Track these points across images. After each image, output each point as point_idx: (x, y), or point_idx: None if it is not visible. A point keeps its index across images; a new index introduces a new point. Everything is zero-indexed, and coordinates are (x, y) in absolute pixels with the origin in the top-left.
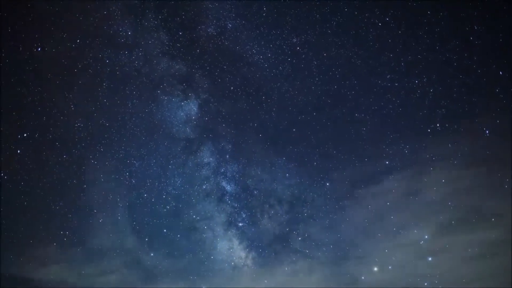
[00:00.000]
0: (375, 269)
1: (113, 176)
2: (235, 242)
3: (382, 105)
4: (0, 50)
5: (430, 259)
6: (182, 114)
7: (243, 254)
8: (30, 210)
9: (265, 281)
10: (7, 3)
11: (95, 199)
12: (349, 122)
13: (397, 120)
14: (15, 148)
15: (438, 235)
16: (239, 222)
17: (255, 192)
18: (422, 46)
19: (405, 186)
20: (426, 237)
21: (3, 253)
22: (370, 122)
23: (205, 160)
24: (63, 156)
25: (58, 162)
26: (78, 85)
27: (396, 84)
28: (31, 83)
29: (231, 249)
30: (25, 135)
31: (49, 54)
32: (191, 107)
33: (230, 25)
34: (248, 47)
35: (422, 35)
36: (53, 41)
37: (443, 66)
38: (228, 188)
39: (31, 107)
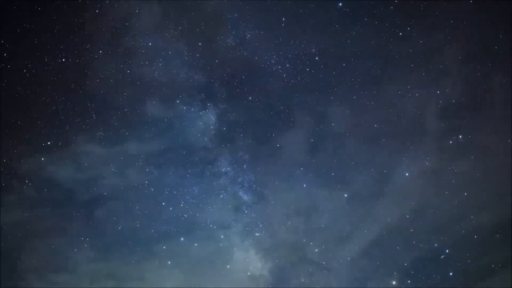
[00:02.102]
0: (394, 282)
1: (132, 184)
2: (252, 252)
3: (402, 115)
4: (27, 61)
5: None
6: (200, 123)
7: (259, 264)
8: (53, 217)
9: None
10: (34, 16)
11: (115, 206)
12: (368, 132)
13: (418, 131)
14: (39, 156)
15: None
16: (256, 232)
17: (272, 202)
18: (445, 56)
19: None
20: (447, 251)
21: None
22: (389, 133)
23: (223, 170)
24: (84, 164)
25: (80, 170)
26: (100, 95)
27: (417, 95)
28: (55, 92)
29: (247, 258)
30: (49, 143)
31: (73, 64)
32: (209, 117)
33: (249, 36)
34: (266, 57)
35: (445, 44)
36: (77, 52)
37: (466, 76)
38: (245, 197)
39: (55, 116)
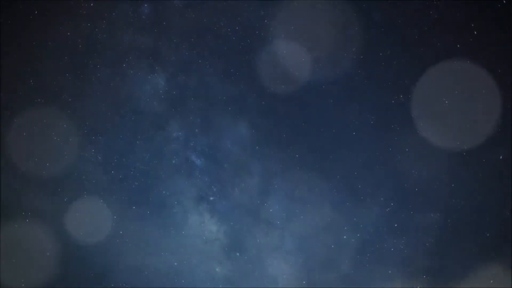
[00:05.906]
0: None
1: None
2: (206, 216)
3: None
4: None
5: None
6: (148, 88)
7: (214, 228)
8: None
9: (237, 254)
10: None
11: (63, 177)
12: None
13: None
14: None
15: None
16: (210, 196)
17: (225, 166)
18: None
19: None
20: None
21: None
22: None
23: (174, 135)
24: None
25: None
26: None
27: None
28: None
29: (202, 223)
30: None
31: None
32: (158, 81)
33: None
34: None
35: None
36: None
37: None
38: (198, 162)
39: None
